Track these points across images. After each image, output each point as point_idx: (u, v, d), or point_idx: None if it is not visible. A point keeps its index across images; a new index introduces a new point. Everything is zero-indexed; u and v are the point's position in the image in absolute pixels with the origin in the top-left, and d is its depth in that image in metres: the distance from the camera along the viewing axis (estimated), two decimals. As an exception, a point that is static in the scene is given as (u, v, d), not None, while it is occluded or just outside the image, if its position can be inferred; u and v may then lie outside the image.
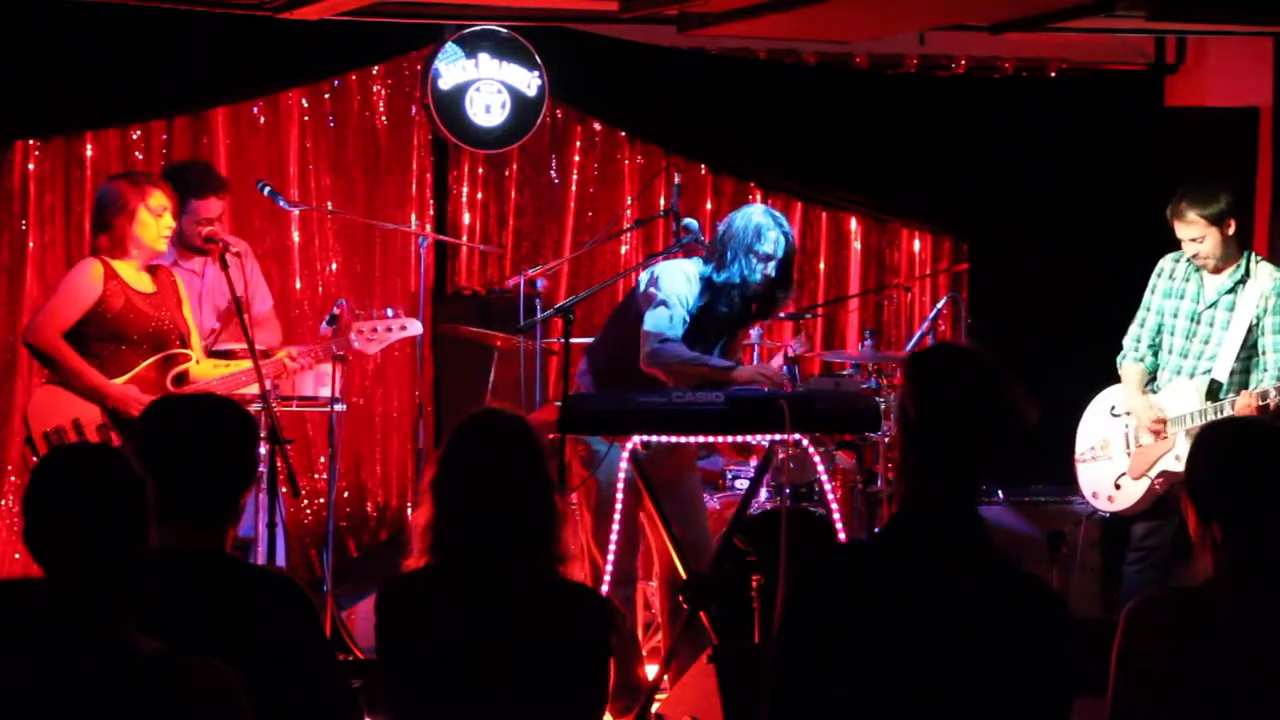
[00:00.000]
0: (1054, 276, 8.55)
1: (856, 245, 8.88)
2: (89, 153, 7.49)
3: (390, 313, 6.44)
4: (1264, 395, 5.98)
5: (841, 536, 5.85)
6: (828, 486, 6.07)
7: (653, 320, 5.93)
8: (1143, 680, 3.05)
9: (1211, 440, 3.25)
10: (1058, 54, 8.74)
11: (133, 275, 6.04)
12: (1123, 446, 6.44)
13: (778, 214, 6.15)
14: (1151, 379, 6.42)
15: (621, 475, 5.75)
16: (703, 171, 8.57)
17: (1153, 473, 6.31)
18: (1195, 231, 6.13)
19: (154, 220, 6.01)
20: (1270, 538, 3.09)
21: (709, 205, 8.55)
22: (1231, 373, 6.14)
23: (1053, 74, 8.79)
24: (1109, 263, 6.72)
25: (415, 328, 6.50)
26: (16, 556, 7.24)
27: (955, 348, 3.10)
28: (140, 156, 7.57)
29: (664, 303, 5.95)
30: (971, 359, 2.96)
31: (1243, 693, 3.03)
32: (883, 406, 6.48)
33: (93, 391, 5.94)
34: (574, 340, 5.92)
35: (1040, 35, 8.26)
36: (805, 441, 5.84)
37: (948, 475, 2.88)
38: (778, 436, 5.69)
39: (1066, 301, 8.29)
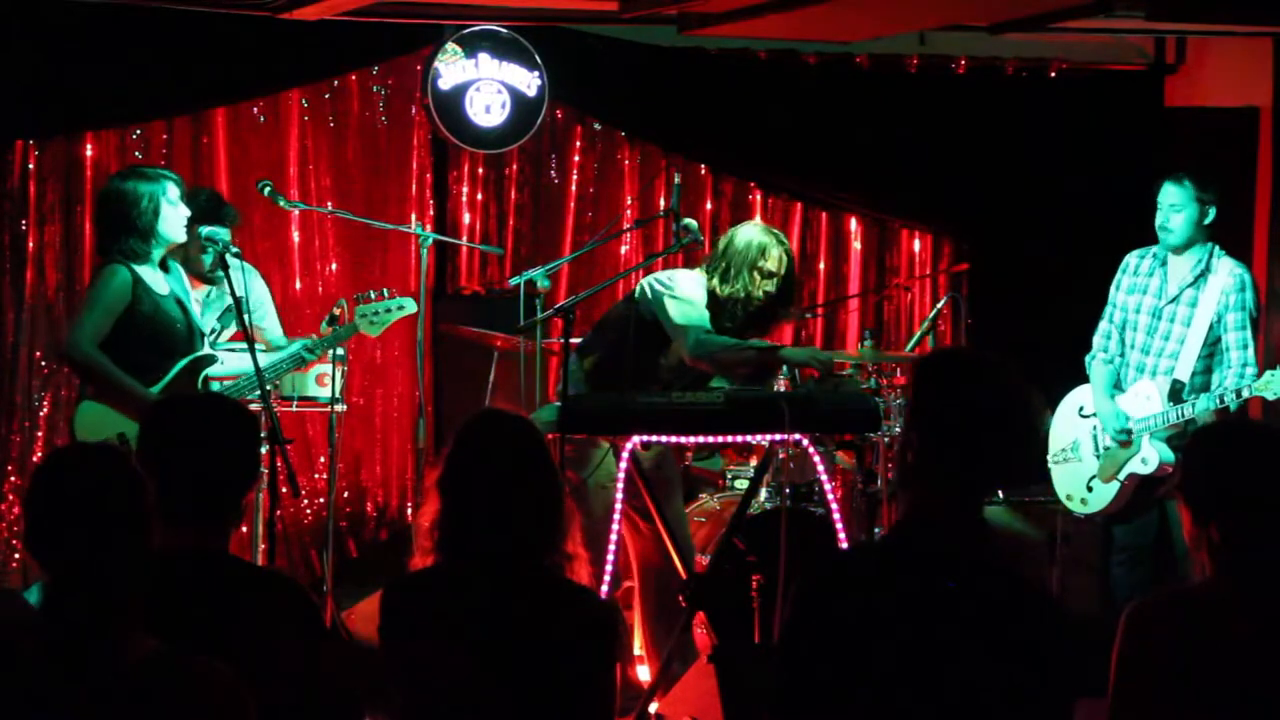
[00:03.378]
0: (1054, 276, 8.55)
1: (856, 245, 8.88)
2: (89, 153, 7.49)
3: (386, 293, 6.43)
4: (1222, 399, 6.00)
5: (841, 537, 5.85)
6: (828, 486, 6.07)
7: (683, 316, 6.00)
8: (1143, 681, 3.05)
9: (1207, 443, 3.26)
10: (1058, 54, 8.74)
11: (153, 276, 5.91)
12: (1091, 449, 6.46)
13: (779, 231, 6.20)
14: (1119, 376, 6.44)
15: (621, 476, 5.75)
16: (703, 171, 8.58)
17: (1121, 475, 6.33)
18: (1179, 198, 6.18)
19: (175, 211, 5.92)
20: (1268, 538, 3.10)
21: (709, 205, 8.56)
22: (1194, 372, 6.16)
23: (1053, 74, 8.79)
24: (1109, 263, 6.71)
25: (411, 306, 6.51)
26: (17, 557, 7.24)
27: (968, 352, 3.08)
28: (140, 156, 7.57)
29: (688, 302, 6.01)
30: (984, 364, 2.94)
31: (1243, 693, 3.04)
32: (883, 407, 6.48)
33: (134, 403, 5.72)
34: (575, 340, 5.94)
35: (1040, 35, 8.26)
36: (805, 441, 5.84)
37: (954, 480, 2.87)
38: (778, 436, 5.70)
39: (1067, 301, 8.27)
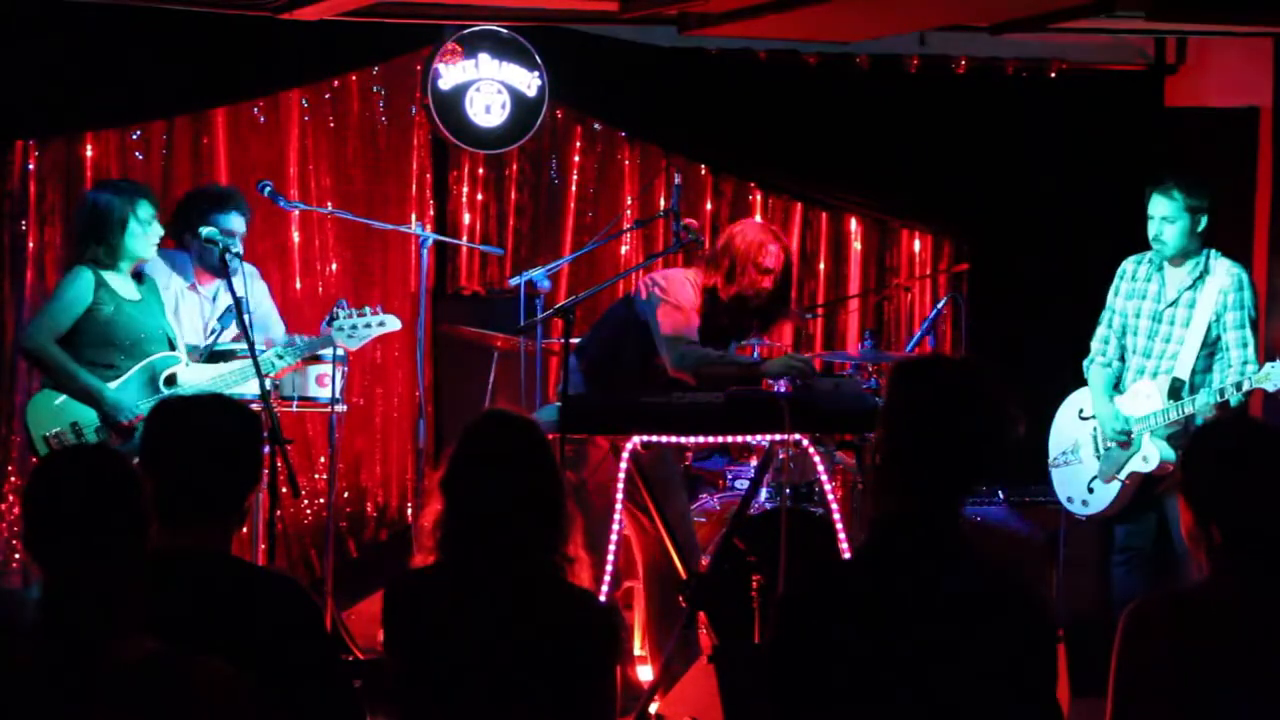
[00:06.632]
0: (1054, 277, 8.55)
1: (856, 246, 8.88)
2: (89, 153, 7.49)
3: (369, 310, 6.48)
4: (1222, 393, 6.01)
5: (841, 537, 5.86)
6: (828, 486, 6.08)
7: (671, 325, 5.98)
8: (1143, 682, 3.05)
9: (1209, 442, 3.26)
10: (1058, 54, 8.73)
11: (120, 282, 6.18)
12: (1092, 450, 6.46)
13: (775, 229, 6.21)
14: (1119, 379, 6.45)
15: (621, 475, 5.75)
16: (703, 171, 8.57)
17: (1122, 475, 6.33)
18: (1170, 210, 6.17)
19: (142, 229, 6.16)
20: (1269, 538, 3.10)
21: (709, 205, 8.55)
22: (1194, 371, 6.17)
23: (1053, 74, 8.78)
24: (1109, 263, 6.71)
25: (393, 323, 6.56)
26: (17, 557, 7.24)
27: (942, 358, 3.13)
28: (140, 156, 7.57)
29: (678, 308, 6.00)
30: (957, 369, 2.97)
31: (1243, 693, 3.04)
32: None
33: (87, 396, 6.03)
34: (574, 340, 5.94)
35: (1040, 35, 8.26)
36: (805, 441, 5.85)
37: (927, 484, 2.90)
38: (778, 436, 5.70)
39: (1067, 302, 8.28)
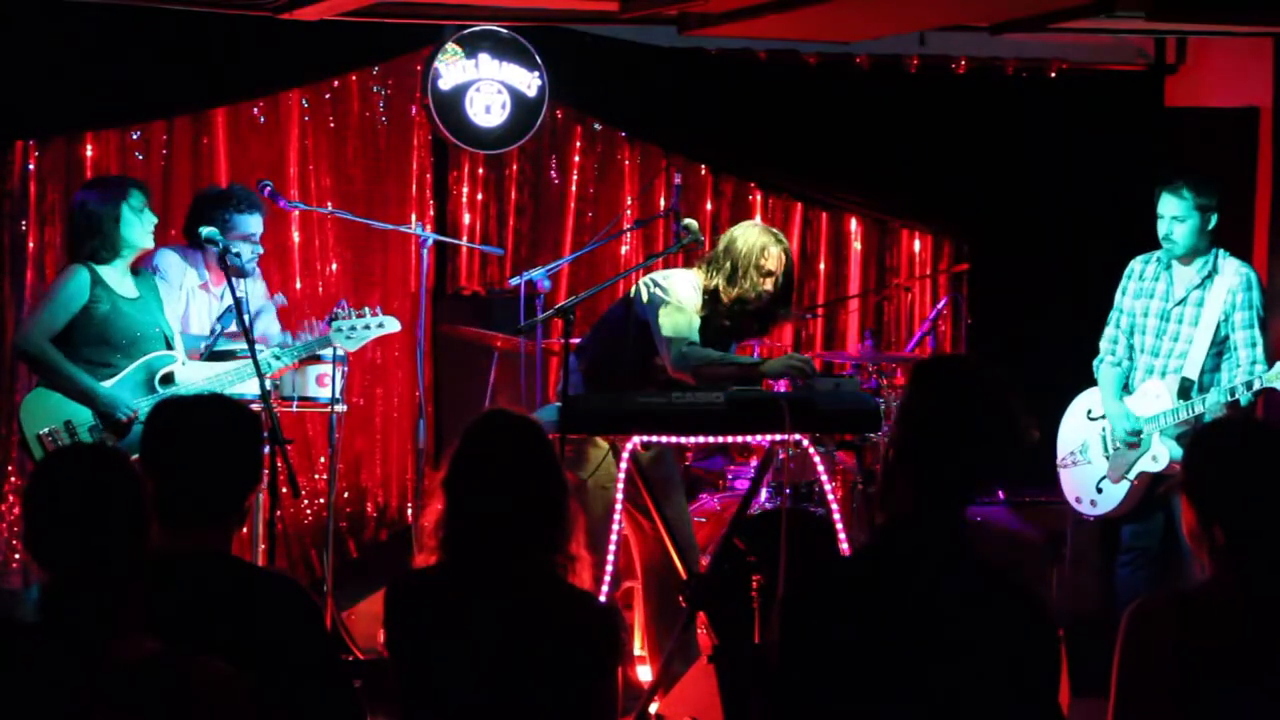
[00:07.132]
0: (1054, 277, 8.56)
1: (856, 245, 8.88)
2: (89, 153, 7.49)
3: (368, 311, 6.49)
4: (1233, 393, 6.01)
5: (842, 537, 5.86)
6: (828, 486, 6.07)
7: (672, 326, 5.98)
8: (1145, 681, 3.05)
9: (1213, 442, 3.25)
10: (1058, 54, 8.74)
11: (117, 280, 6.18)
12: (1101, 450, 6.45)
13: (777, 231, 6.20)
14: (1128, 379, 6.45)
15: (621, 475, 5.75)
16: (703, 171, 8.58)
17: (1131, 475, 6.33)
18: (1180, 210, 6.17)
19: (136, 217, 6.16)
20: (1272, 538, 3.09)
21: (709, 205, 8.56)
22: (1203, 370, 6.17)
23: (1053, 74, 8.79)
24: (1109, 263, 6.71)
25: (393, 325, 6.57)
26: (17, 557, 7.24)
27: (951, 359, 3.13)
28: (140, 156, 7.57)
29: (679, 309, 6.00)
30: (961, 370, 2.98)
31: (1245, 693, 3.04)
32: (883, 407, 6.47)
33: (82, 394, 6.04)
34: (574, 340, 5.94)
35: (1040, 35, 8.26)
36: (805, 441, 5.85)
37: (929, 484, 2.90)
38: (778, 436, 5.70)
39: (1067, 302, 8.29)
